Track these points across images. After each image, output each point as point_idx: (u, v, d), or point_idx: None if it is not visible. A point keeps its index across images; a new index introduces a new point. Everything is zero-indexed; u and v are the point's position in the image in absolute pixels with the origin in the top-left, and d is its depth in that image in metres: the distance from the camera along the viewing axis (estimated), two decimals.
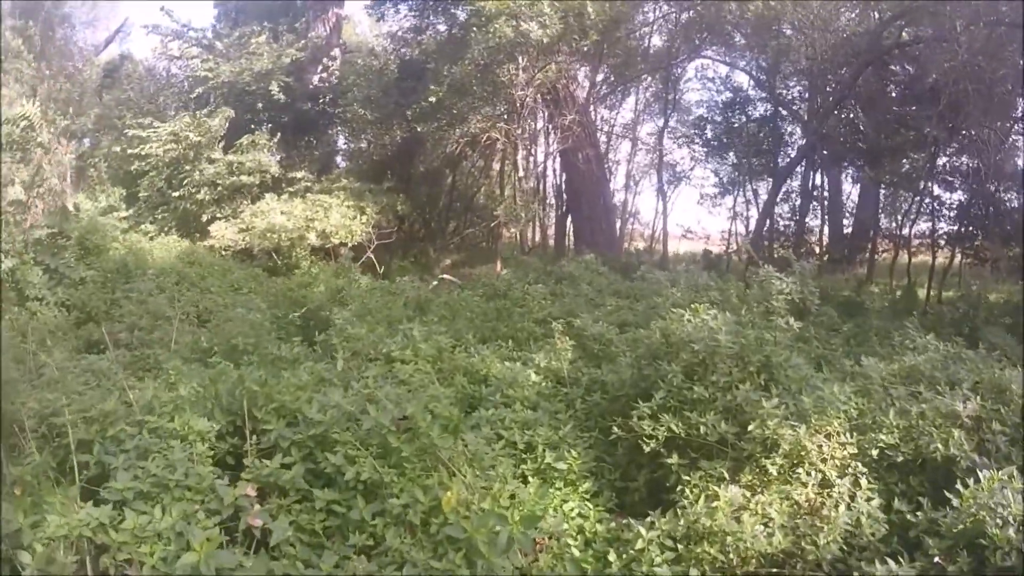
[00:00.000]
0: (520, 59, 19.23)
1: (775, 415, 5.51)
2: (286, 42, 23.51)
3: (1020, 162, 21.81)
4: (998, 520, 4.77)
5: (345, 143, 28.08)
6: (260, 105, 22.87)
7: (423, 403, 5.74)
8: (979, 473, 5.24)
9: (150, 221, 21.04)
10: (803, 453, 5.47)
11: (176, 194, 20.62)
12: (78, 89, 26.85)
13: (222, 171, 20.68)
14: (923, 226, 24.39)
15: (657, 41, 27.73)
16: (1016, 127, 20.66)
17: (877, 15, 18.93)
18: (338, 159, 28.45)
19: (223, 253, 19.22)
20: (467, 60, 19.13)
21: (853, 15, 20.54)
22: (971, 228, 22.13)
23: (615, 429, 6.12)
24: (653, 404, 6.01)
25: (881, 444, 5.97)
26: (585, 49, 20.80)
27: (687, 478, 5.58)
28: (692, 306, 6.74)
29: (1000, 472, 5.16)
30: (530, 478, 5.97)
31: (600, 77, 27.42)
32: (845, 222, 28.19)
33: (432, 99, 19.98)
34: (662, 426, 5.82)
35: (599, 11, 18.07)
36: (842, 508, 5.22)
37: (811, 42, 18.64)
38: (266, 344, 9.20)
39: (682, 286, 12.33)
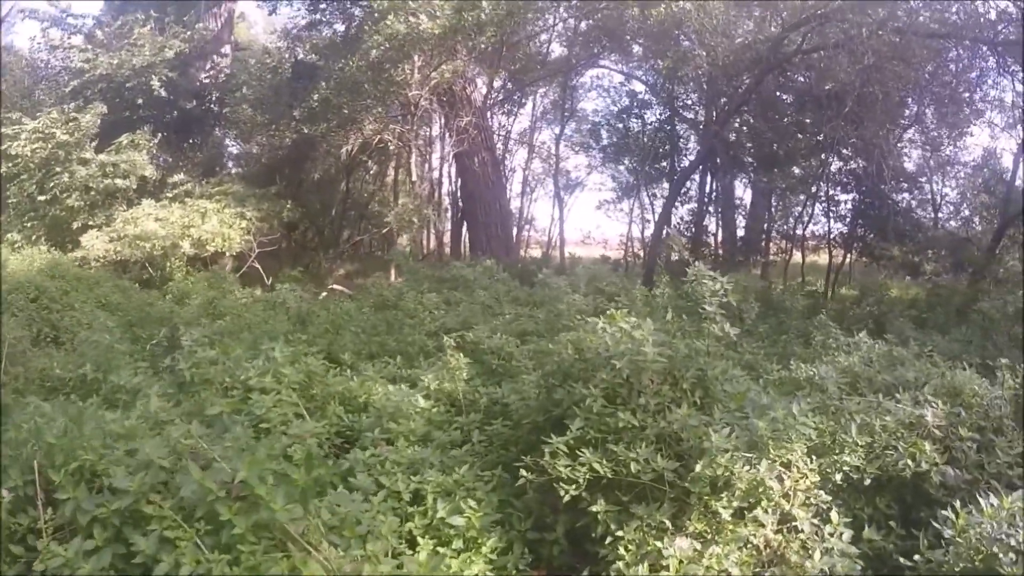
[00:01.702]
0: (415, 58, 17.70)
1: (724, 447, 4.18)
2: (171, 34, 21.25)
3: (909, 164, 21.82)
4: (1011, 556, 3.85)
5: (233, 146, 25.82)
6: (140, 101, 20.48)
7: (265, 457, 4.12)
8: (979, 499, 4.29)
9: (17, 230, 18.40)
10: (762, 491, 4.16)
11: (43, 198, 18.15)
12: None
13: (95, 173, 18.28)
14: (816, 227, 24.36)
15: (557, 49, 26.84)
16: (905, 131, 20.58)
17: (780, 21, 18.24)
18: (228, 163, 26.23)
19: (93, 265, 16.92)
20: (357, 57, 17.50)
21: (751, 25, 19.88)
22: (864, 229, 21.96)
23: (522, 472, 4.66)
24: (569, 437, 4.59)
25: (845, 466, 4.78)
26: (483, 49, 19.43)
27: (620, 532, 4.21)
28: (609, 312, 5.33)
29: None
30: (420, 539, 4.49)
31: (499, 84, 26.28)
32: (739, 224, 27.77)
33: (317, 98, 18.24)
34: (582, 466, 4.42)
35: (494, 5, 16.66)
36: (816, 552, 3.99)
37: (711, 48, 17.83)
38: (114, 374, 7.37)
39: (583, 290, 11.06)
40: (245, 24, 34.01)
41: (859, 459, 4.87)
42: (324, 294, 18.02)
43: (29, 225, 18.44)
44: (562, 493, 4.42)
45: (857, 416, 5.10)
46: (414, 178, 18.92)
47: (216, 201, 18.52)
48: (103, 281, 15.27)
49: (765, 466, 4.13)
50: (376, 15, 16.82)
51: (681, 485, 4.32)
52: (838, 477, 4.76)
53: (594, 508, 4.38)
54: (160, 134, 20.17)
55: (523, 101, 28.34)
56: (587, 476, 4.39)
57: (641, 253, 26.50)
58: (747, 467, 4.16)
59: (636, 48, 24.64)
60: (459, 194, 24.01)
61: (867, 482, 4.90)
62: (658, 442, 4.61)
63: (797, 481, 4.33)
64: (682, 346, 5.12)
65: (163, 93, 20.22)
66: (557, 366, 5.30)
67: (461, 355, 6.97)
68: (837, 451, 4.88)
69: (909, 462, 4.97)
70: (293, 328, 10.54)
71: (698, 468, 4.14)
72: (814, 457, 4.69)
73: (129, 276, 16.72)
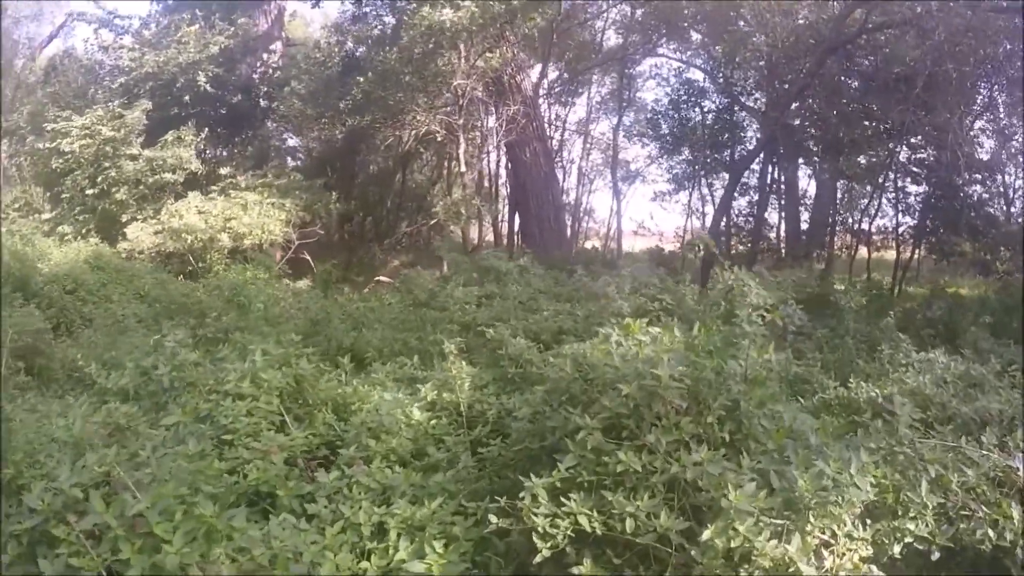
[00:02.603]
0: (460, 46, 16.75)
1: (747, 513, 3.10)
2: (217, 31, 20.77)
3: (982, 154, 19.88)
4: None
5: (290, 139, 25.32)
6: (188, 98, 20.02)
7: (172, 488, 3.27)
8: None
9: (69, 223, 18.22)
10: (792, 570, 3.07)
11: (91, 192, 17.88)
12: (12, 84, 24.15)
13: (142, 168, 17.94)
14: (883, 221, 22.62)
15: (613, 37, 25.62)
16: (978, 118, 18.77)
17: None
18: (284, 158, 25.77)
19: (137, 257, 16.53)
20: (396, 48, 16.65)
21: (813, 3, 18.33)
22: (935, 223, 20.16)
23: (491, 517, 3.64)
24: (556, 478, 3.57)
25: (908, 535, 3.63)
26: (531, 36, 18.35)
27: None
28: (626, 322, 4.24)
29: None
30: None
31: (554, 74, 25.22)
32: (802, 216, 26.13)
33: (357, 91, 17.46)
34: (565, 517, 3.39)
35: None
36: None
37: (771, 29, 16.40)
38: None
39: (626, 290, 9.93)
40: (301, 21, 33.75)
41: (927, 526, 3.71)
42: (371, 286, 17.36)
43: (80, 219, 18.23)
44: (540, 549, 3.41)
45: (931, 466, 3.92)
46: (463, 168, 17.96)
47: (259, 193, 17.93)
48: (143, 273, 14.88)
49: (796, 544, 3.03)
50: (414, 5, 15.92)
51: (689, 551, 3.27)
52: (897, 548, 3.63)
53: (576, 571, 3.36)
54: (207, 129, 19.66)
55: (579, 91, 27.20)
56: (569, 532, 3.37)
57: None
58: (775, 540, 3.07)
59: (694, 36, 23.38)
60: (510, 185, 23.00)
61: (935, 556, 3.75)
62: (668, 491, 3.56)
63: (842, 556, 3.22)
64: (711, 368, 4.01)
65: (209, 89, 19.75)
66: (555, 385, 4.24)
67: (462, 362, 5.99)
68: (900, 513, 3.73)
69: (990, 532, 3.81)
70: (313, 325, 9.75)
71: (706, 534, 3.08)
72: (868, 522, 3.57)
73: (170, 269, 16.28)
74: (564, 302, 10.73)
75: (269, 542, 3.56)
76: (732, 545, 3.06)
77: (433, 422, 5.54)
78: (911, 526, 3.71)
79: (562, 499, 3.51)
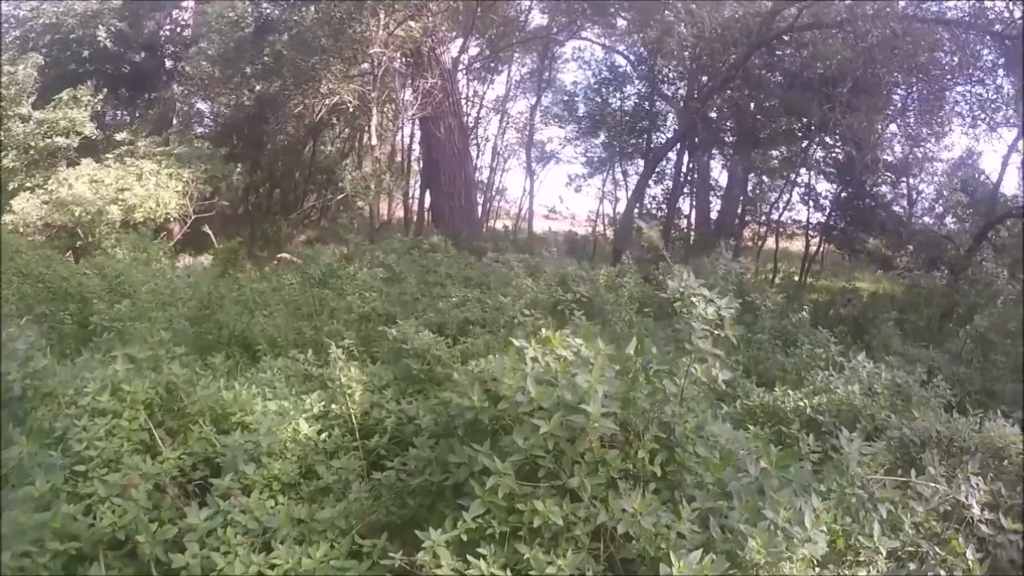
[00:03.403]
0: (380, 14, 15.72)
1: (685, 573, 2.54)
2: None
3: (889, 157, 20.26)
4: None
5: (192, 104, 23.57)
6: (86, 54, 18.35)
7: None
8: None
9: None
10: None
11: None
12: None
13: (33, 131, 16.29)
14: (791, 214, 22.85)
15: (538, 17, 24.82)
16: (891, 123, 19.04)
17: None
18: (192, 123, 24.08)
19: (23, 230, 14.99)
20: (314, 10, 15.53)
21: None
22: (843, 219, 20.49)
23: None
24: (461, 530, 2.93)
25: None
26: (454, 8, 17.46)
27: None
28: (544, 334, 3.58)
29: None
30: None
31: (476, 50, 24.30)
32: (713, 206, 26.18)
33: (269, 52, 16.26)
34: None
35: None
36: None
37: (698, 20, 16.06)
38: None
39: (542, 279, 9.34)
40: None
41: (879, 572, 3.24)
42: (272, 264, 16.29)
43: None
44: None
45: (882, 504, 3.44)
46: (374, 142, 16.98)
47: (156, 162, 16.53)
48: (24, 249, 13.37)
49: None
50: None
51: None
52: None
53: None
54: (106, 90, 18.07)
55: (499, 68, 26.38)
56: None
57: (609, 233, 24.77)
58: None
59: (620, 22, 22.87)
60: (422, 161, 22.08)
61: None
62: (594, 539, 2.97)
63: None
64: (644, 395, 3.41)
65: (109, 44, 18.15)
66: (459, 411, 3.55)
67: (352, 367, 5.27)
68: (850, 558, 3.24)
69: (941, 573, 3.39)
70: (203, 309, 8.77)
71: None
72: (816, 571, 3.07)
73: (57, 244, 14.82)
74: (473, 287, 10.04)
75: None
76: None
77: (324, 435, 4.82)
78: (862, 573, 3.23)
79: (467, 553, 2.87)
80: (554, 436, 2.98)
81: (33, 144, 16.41)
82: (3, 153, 16.29)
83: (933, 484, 3.83)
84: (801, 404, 5.37)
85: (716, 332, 3.28)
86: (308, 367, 6.41)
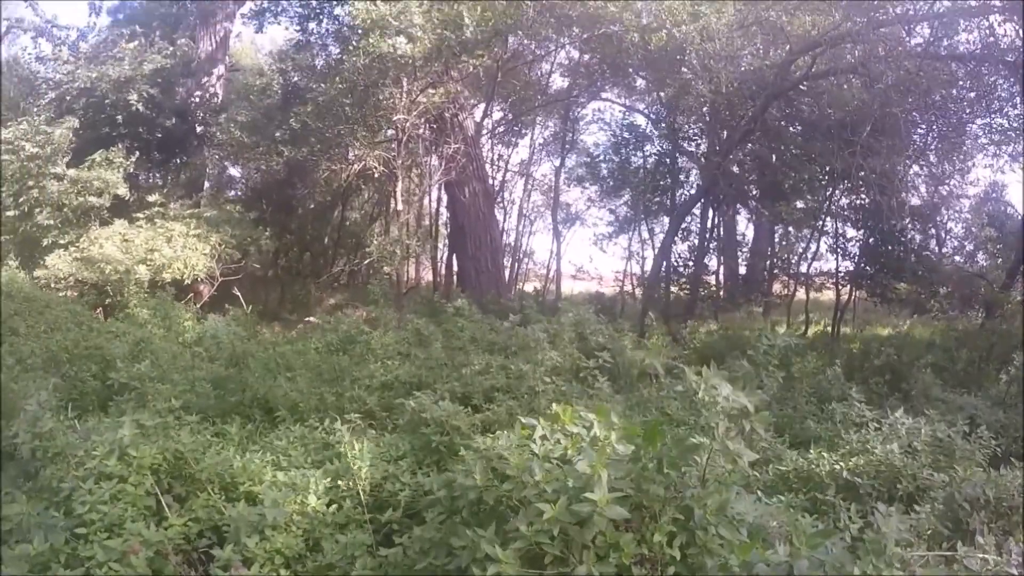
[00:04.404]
0: (403, 82, 15.94)
1: None
2: (155, 50, 19.51)
3: (915, 199, 19.89)
4: None
5: (224, 169, 23.98)
6: (119, 118, 18.73)
7: None
8: None
9: None
10: None
11: (11, 214, 16.38)
12: None
13: (67, 190, 16.52)
14: (819, 264, 22.46)
15: (558, 80, 25.07)
16: (913, 164, 18.71)
17: (788, 47, 16.46)
18: (224, 187, 24.45)
19: (54, 286, 15.14)
20: (337, 79, 15.76)
21: (759, 49, 18.11)
22: (872, 265, 20.04)
23: None
24: None
25: None
26: (475, 74, 17.65)
27: None
28: (554, 410, 3.34)
29: None
30: None
31: (499, 115, 24.53)
32: (741, 260, 25.82)
33: (294, 121, 16.51)
34: None
35: (477, 18, 14.79)
36: None
37: (714, 75, 16.06)
38: None
39: (565, 340, 9.07)
40: (251, 47, 32.62)
41: None
42: (301, 326, 16.22)
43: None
44: None
45: None
46: (399, 207, 17.00)
47: (185, 224, 16.69)
48: (55, 305, 13.49)
49: None
50: (360, 34, 15.03)
51: None
52: None
53: None
54: (138, 152, 18.33)
55: (523, 132, 26.54)
56: None
57: (638, 292, 24.49)
58: None
59: (639, 82, 23.02)
60: (448, 226, 22.13)
61: None
62: None
63: None
64: (659, 480, 3.13)
65: (141, 109, 18.51)
66: (463, 493, 3.30)
67: (363, 439, 5.07)
68: None
69: None
70: (224, 373, 8.65)
71: None
72: None
73: (87, 301, 14.94)
74: (497, 353, 9.80)
75: None
76: None
77: (333, 507, 4.62)
78: None
79: None
80: (560, 521, 2.72)
81: (67, 202, 16.58)
82: (37, 211, 16.49)
83: (982, 555, 3.48)
84: (837, 468, 5.02)
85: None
86: (326, 435, 6.23)
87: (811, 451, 5.55)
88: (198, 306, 16.10)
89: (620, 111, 25.91)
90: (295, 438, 6.21)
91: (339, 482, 4.90)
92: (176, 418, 6.01)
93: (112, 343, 10.24)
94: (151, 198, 17.85)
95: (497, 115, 24.58)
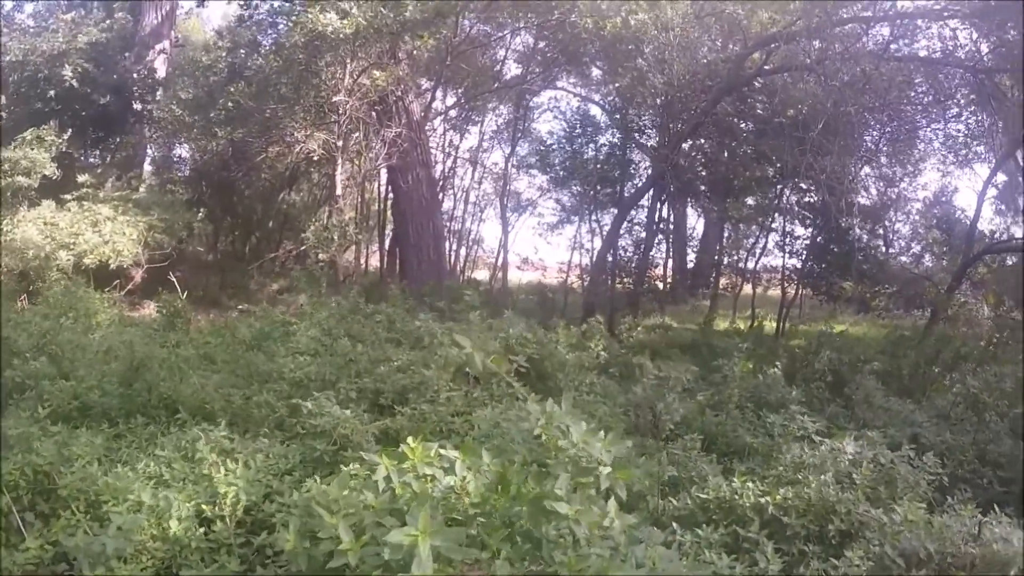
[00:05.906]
0: (347, 61, 15.04)
1: None
2: (93, 22, 18.33)
3: (864, 199, 19.67)
4: None
5: (169, 148, 22.63)
6: (52, 93, 17.62)
7: None
8: None
9: None
10: None
11: None
12: None
13: None
14: (767, 260, 22.17)
15: (513, 68, 24.22)
16: (865, 165, 18.46)
17: (744, 41, 15.95)
18: (170, 167, 23.12)
19: None
20: (271, 56, 14.84)
21: (717, 43, 17.58)
22: (822, 263, 19.81)
23: None
24: None
25: None
26: (418, 54, 16.79)
27: None
28: (407, 444, 2.65)
29: None
30: None
31: (452, 100, 23.65)
32: (688, 254, 25.43)
33: (224, 100, 15.56)
34: None
35: (421, 6, 13.98)
36: None
37: (669, 67, 15.47)
38: None
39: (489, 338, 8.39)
40: (200, 21, 31.30)
41: None
42: (235, 315, 15.31)
43: None
44: None
45: None
46: (338, 191, 16.13)
47: (113, 207, 15.61)
48: None
49: None
50: (299, 10, 14.13)
51: None
52: None
53: None
54: (72, 130, 17.17)
55: (475, 118, 25.65)
56: None
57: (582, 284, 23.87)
58: None
59: (595, 72, 22.38)
60: (391, 213, 21.23)
61: None
62: None
63: None
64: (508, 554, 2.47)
65: (76, 85, 17.43)
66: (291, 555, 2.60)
67: (224, 465, 4.38)
68: None
69: None
70: (135, 370, 7.79)
71: None
72: None
73: (8, 288, 13.87)
74: (421, 349, 9.07)
75: None
76: None
77: (201, 531, 4.06)
78: None
79: None
80: None
81: None
82: None
83: None
84: (762, 501, 4.42)
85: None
86: (229, 442, 5.49)
87: (736, 475, 4.94)
88: (122, 293, 15.07)
89: (576, 101, 25.25)
90: (186, 444, 5.49)
91: (203, 506, 4.25)
92: (41, 428, 5.37)
93: (17, 334, 9.35)
94: (81, 178, 16.73)
95: (450, 100, 23.74)
